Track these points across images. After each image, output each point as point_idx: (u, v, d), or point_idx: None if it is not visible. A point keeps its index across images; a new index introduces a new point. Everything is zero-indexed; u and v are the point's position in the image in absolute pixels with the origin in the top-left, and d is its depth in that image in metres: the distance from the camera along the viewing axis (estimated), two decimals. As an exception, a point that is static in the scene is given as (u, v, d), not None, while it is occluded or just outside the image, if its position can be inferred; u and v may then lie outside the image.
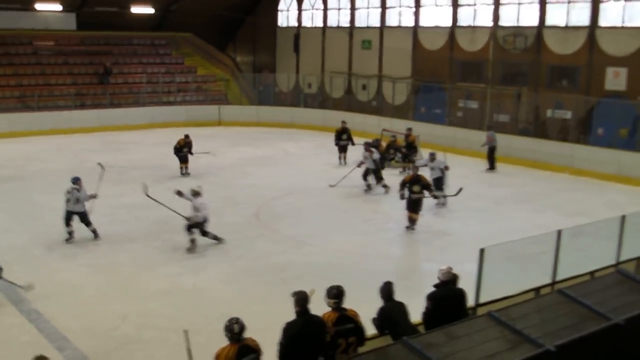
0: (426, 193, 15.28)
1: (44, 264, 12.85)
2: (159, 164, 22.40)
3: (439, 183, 17.35)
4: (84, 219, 14.08)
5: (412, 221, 15.32)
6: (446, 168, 17.61)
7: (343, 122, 23.72)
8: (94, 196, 14.11)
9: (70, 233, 13.99)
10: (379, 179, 19.13)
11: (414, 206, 15.25)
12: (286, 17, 37.80)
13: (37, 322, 10.14)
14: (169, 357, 8.95)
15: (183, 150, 21.07)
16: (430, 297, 7.80)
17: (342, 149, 23.07)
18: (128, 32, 36.17)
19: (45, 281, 11.79)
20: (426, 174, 16.52)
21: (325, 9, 35.15)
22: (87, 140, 27.31)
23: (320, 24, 35.51)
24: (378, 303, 7.65)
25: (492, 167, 22.46)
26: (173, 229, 15.12)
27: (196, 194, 13.81)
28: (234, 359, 6.29)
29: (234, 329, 6.41)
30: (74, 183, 13.98)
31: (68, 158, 22.74)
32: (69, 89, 31.06)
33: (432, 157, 17.80)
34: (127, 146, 26.45)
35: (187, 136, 21.41)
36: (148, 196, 13.98)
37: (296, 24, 36.94)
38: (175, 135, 28.69)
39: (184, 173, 21.00)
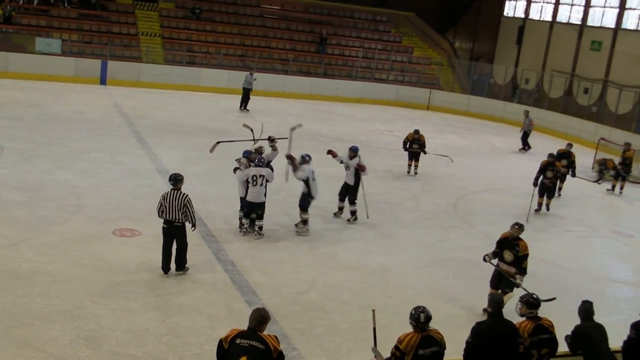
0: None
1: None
2: (364, 139, 22.54)
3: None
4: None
5: (540, 206, 16.21)
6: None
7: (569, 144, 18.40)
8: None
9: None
10: (351, 200, 14.08)
11: (544, 191, 16.13)
12: (513, 7, 36.59)
13: (231, 272, 10.54)
14: (350, 331, 8.92)
15: (413, 146, 18.77)
16: (635, 327, 7.16)
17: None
18: (351, 5, 36.78)
19: (243, 237, 12.22)
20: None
21: (557, 3, 33.56)
22: (297, 106, 28.15)
23: (549, 18, 33.95)
24: (569, 319, 7.21)
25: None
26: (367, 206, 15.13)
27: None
28: (416, 347, 6.12)
29: (420, 318, 6.27)
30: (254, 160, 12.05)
31: (277, 121, 23.49)
32: (288, 54, 32.17)
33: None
34: (335, 117, 26.95)
35: (416, 132, 18.84)
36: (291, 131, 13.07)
37: (523, 15, 35.60)
38: (383, 112, 29.07)
39: (410, 172, 18.77)
